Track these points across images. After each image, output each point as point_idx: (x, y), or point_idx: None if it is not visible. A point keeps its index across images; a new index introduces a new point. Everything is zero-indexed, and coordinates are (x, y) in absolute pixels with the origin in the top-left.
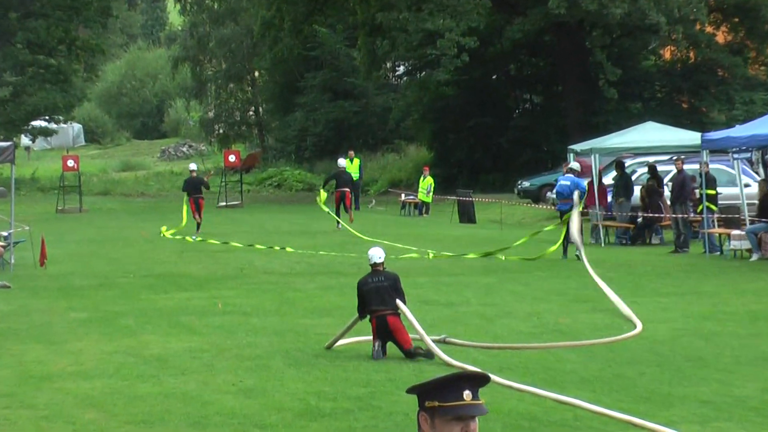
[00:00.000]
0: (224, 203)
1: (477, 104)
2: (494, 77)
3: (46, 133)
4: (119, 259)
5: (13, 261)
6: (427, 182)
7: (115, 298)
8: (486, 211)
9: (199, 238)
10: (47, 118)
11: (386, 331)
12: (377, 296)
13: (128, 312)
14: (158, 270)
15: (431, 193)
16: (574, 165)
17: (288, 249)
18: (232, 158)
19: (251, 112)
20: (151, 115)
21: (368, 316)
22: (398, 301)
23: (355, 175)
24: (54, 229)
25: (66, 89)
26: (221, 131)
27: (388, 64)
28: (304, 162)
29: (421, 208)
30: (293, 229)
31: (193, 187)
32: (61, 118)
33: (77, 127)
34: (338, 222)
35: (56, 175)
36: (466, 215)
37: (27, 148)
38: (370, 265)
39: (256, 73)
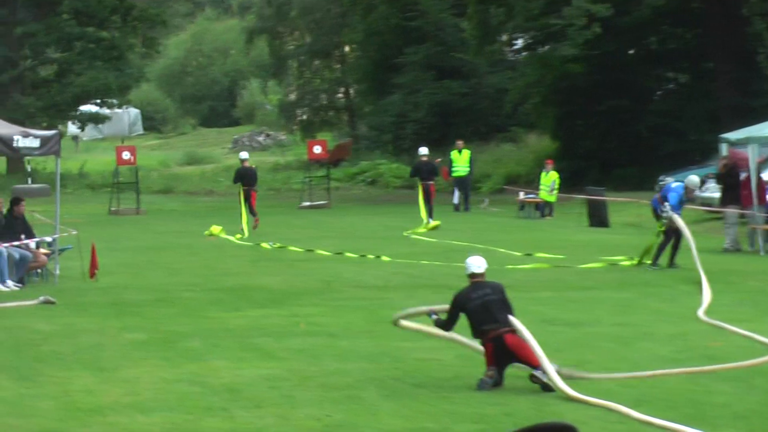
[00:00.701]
0: (308, 203)
1: (610, 84)
2: (631, 52)
3: (96, 119)
4: (182, 269)
5: (58, 272)
6: (550, 178)
7: (177, 316)
8: (621, 212)
9: (277, 245)
10: (98, 101)
11: (507, 354)
12: (487, 313)
13: (193, 333)
14: (228, 283)
15: (555, 191)
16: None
17: (383, 258)
18: (317, 149)
19: (340, 95)
20: (221, 98)
21: (480, 340)
22: (512, 319)
23: (465, 170)
24: (106, 233)
25: (120, 67)
26: (304, 117)
27: (504, 37)
28: (403, 153)
29: (543, 208)
30: (390, 234)
31: (247, 178)
32: (114, 101)
33: (134, 112)
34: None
35: (109, 169)
36: (598, 217)
37: (75, 138)
38: (468, 275)
39: (346, 48)
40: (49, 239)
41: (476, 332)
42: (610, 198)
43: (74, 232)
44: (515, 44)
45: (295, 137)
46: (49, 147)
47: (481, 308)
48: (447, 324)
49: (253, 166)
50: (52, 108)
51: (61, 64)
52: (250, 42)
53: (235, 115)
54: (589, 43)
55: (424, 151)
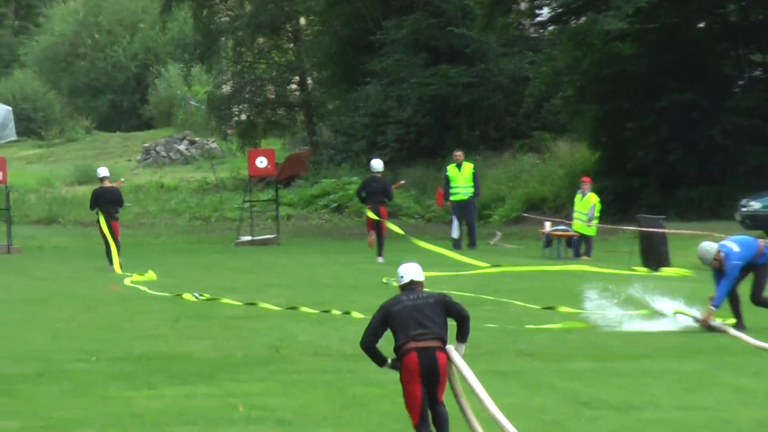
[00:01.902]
0: (248, 237)
1: (672, 71)
2: (701, 25)
3: None
4: (72, 331)
5: None
6: (587, 202)
7: (65, 396)
8: (687, 249)
9: (205, 296)
10: None
11: (432, 374)
12: (414, 319)
13: (86, 420)
14: (137, 349)
15: (595, 221)
16: None
17: (354, 314)
18: (261, 162)
19: (293, 85)
20: (127, 91)
21: (396, 354)
22: (450, 348)
23: (467, 192)
24: None
25: None
26: (243, 117)
27: (522, 5)
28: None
29: (578, 244)
30: (363, 280)
31: (106, 202)
32: None
33: (3, 110)
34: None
35: None
36: (655, 256)
37: None
38: (402, 286)
39: (302, 21)
40: None
41: (397, 342)
42: (673, 230)
43: None
44: (539, 15)
45: (229, 145)
46: None
47: (411, 311)
48: (367, 336)
49: (115, 184)
50: None
51: None
52: (167, 12)
53: (145, 114)
54: (642, 14)
55: (377, 165)
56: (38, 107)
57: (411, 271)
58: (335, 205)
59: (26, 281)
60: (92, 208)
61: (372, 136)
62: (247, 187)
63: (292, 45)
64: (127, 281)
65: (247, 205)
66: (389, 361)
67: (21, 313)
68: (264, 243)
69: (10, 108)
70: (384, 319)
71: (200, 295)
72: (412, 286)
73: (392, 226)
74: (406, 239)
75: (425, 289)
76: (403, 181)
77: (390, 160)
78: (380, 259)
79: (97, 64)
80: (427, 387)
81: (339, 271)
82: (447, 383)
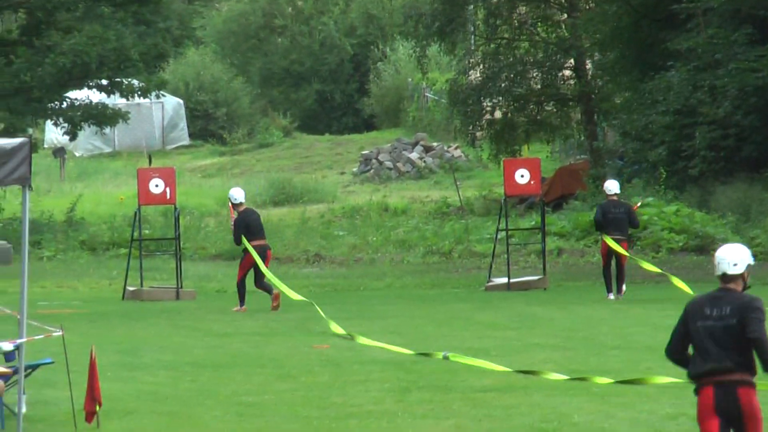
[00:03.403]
0: (504, 280)
1: None
2: None
3: (101, 117)
4: (265, 406)
5: (24, 409)
6: None
7: None
8: None
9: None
10: (105, 83)
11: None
12: (706, 348)
13: None
14: (355, 431)
15: None
16: None
17: (646, 387)
18: (522, 177)
19: (567, 71)
20: (340, 78)
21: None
22: None
23: None
24: (119, 336)
25: (148, 19)
26: (499, 115)
27: None
28: (688, 186)
29: None
30: (662, 339)
31: (258, 228)
32: (136, 83)
33: (172, 105)
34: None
35: (125, 213)
36: None
37: (58, 152)
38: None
39: None
40: (7, 346)
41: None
42: None
43: (57, 333)
44: None
45: (479, 153)
46: (9, 170)
47: (705, 335)
48: (670, 342)
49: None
50: (15, 95)
51: (32, 12)
52: None
53: (365, 110)
54: None
55: (613, 187)
56: (219, 100)
57: (726, 259)
58: None
59: (201, 339)
60: (238, 241)
61: (675, 141)
62: (502, 210)
63: (565, 16)
64: (362, 339)
65: (502, 235)
66: None
67: (195, 382)
68: (525, 287)
69: (181, 101)
70: (685, 323)
71: (447, 354)
72: (724, 280)
73: (647, 265)
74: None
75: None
76: (640, 202)
77: (699, 175)
78: (611, 296)
79: (300, 41)
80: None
81: (629, 326)
82: None
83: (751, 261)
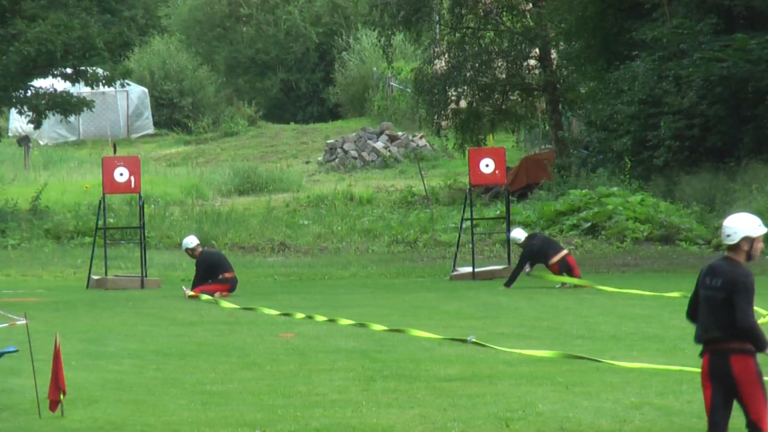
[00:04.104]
0: (468, 269)
1: None
2: None
3: (66, 106)
4: (229, 395)
5: None
6: None
7: None
8: None
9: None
10: (69, 71)
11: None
12: (704, 318)
13: None
14: (318, 420)
15: None
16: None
17: (610, 377)
18: (487, 166)
19: (533, 60)
20: (305, 67)
21: None
22: None
23: None
24: (82, 324)
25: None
26: (464, 104)
27: None
28: (654, 176)
29: None
30: (624, 329)
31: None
32: (100, 72)
33: (138, 93)
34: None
35: (89, 201)
36: None
37: (22, 141)
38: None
39: None
40: None
41: None
42: None
43: (21, 322)
44: None
45: (444, 142)
46: None
47: (704, 304)
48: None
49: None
50: None
51: None
52: None
53: (330, 99)
54: None
55: (518, 235)
56: (185, 89)
57: (722, 229)
58: (588, 225)
59: (166, 327)
60: (203, 281)
61: (640, 131)
62: (467, 199)
63: (530, 5)
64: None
65: (467, 224)
66: None
67: (160, 371)
68: (490, 276)
69: (146, 90)
70: (696, 288)
71: (474, 339)
72: (727, 249)
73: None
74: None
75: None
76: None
77: (664, 164)
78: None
79: (265, 30)
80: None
81: (594, 316)
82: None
83: (753, 233)
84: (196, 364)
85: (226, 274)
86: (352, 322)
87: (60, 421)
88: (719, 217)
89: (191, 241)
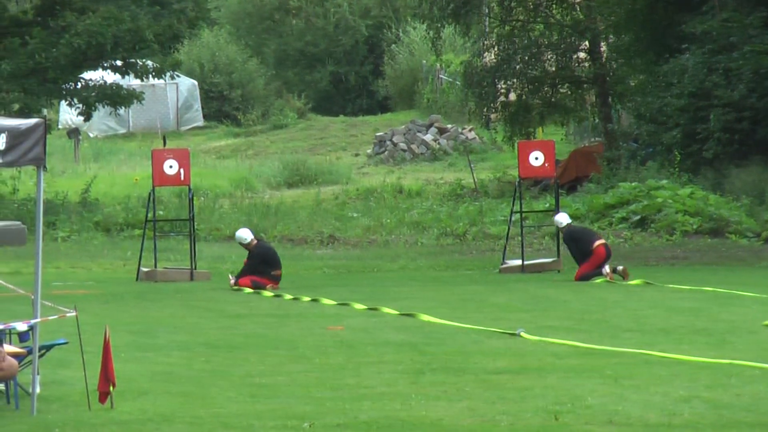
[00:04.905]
0: (518, 262)
1: None
2: None
3: (115, 98)
4: (278, 388)
5: (37, 389)
6: None
7: None
8: None
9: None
10: (119, 64)
11: None
12: None
13: None
14: (367, 413)
15: None
16: None
17: (660, 370)
18: (536, 159)
19: (582, 53)
20: (355, 60)
21: None
22: None
23: None
24: (133, 317)
25: (164, 1)
26: (513, 97)
27: None
28: (703, 169)
29: None
30: (675, 322)
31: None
32: (150, 64)
33: (187, 86)
34: None
35: (139, 194)
36: None
37: (73, 133)
38: None
39: None
40: (21, 327)
41: None
42: None
43: (71, 314)
44: None
45: (493, 135)
46: (24, 151)
47: None
48: None
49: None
50: (30, 75)
51: None
52: None
53: (379, 92)
54: None
55: (562, 219)
56: (234, 82)
57: None
58: (638, 218)
59: (215, 320)
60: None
61: (689, 123)
62: (516, 192)
63: None
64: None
65: (516, 217)
66: None
67: (209, 363)
68: (540, 269)
69: (196, 83)
70: None
71: (524, 332)
72: None
73: None
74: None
75: None
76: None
77: (714, 157)
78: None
79: (315, 23)
80: None
81: (643, 309)
82: None
83: None
84: (245, 356)
85: (278, 272)
86: (396, 311)
87: (109, 413)
88: None
89: (247, 235)
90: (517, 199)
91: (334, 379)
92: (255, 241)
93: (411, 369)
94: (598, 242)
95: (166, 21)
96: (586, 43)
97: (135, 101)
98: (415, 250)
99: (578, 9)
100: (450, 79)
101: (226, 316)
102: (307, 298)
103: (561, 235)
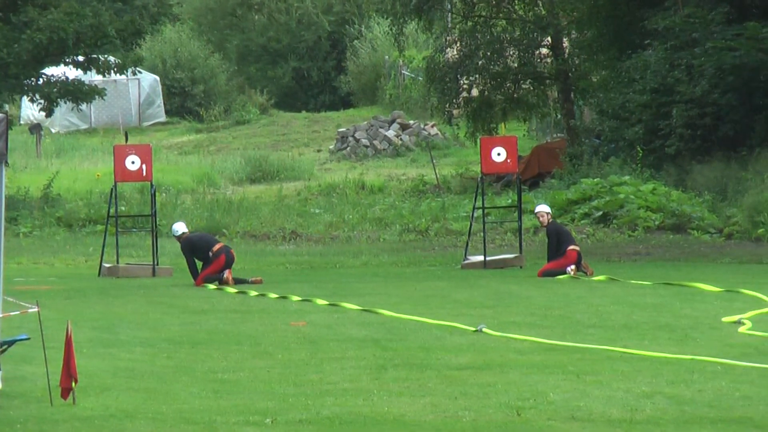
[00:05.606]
0: (480, 258)
1: None
2: None
3: (77, 94)
4: (241, 383)
5: (0, 385)
6: None
7: None
8: None
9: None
10: (81, 59)
11: None
12: None
13: None
14: (329, 409)
15: None
16: None
17: (621, 367)
18: (498, 155)
19: (544, 49)
20: (317, 56)
21: None
22: None
23: None
24: (95, 312)
25: None
26: (476, 92)
27: None
28: (666, 164)
29: None
30: (636, 318)
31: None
32: (112, 60)
33: (149, 81)
34: None
35: (101, 190)
36: None
37: (34, 129)
38: None
39: None
40: None
41: None
42: None
43: (33, 310)
44: None
45: (456, 131)
46: None
47: None
48: None
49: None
50: None
51: None
52: None
53: (342, 88)
54: None
55: (545, 209)
56: (196, 77)
57: None
58: (600, 213)
59: (178, 315)
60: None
61: (652, 119)
62: (479, 188)
63: None
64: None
65: (479, 213)
66: None
67: (171, 359)
68: (502, 265)
69: (158, 78)
70: None
71: (485, 327)
72: None
73: None
74: None
75: None
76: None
77: (676, 153)
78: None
79: (277, 18)
80: None
81: (606, 305)
82: None
83: None
84: (208, 352)
85: (215, 248)
86: (358, 307)
87: (72, 409)
88: (731, 206)
89: (179, 227)
90: (479, 195)
91: (297, 374)
92: (185, 235)
93: (374, 365)
94: (573, 246)
95: (129, 17)
96: (549, 39)
97: (97, 97)
98: (378, 246)
99: (541, 5)
100: (412, 75)
101: (189, 311)
102: (274, 295)
103: (544, 225)
